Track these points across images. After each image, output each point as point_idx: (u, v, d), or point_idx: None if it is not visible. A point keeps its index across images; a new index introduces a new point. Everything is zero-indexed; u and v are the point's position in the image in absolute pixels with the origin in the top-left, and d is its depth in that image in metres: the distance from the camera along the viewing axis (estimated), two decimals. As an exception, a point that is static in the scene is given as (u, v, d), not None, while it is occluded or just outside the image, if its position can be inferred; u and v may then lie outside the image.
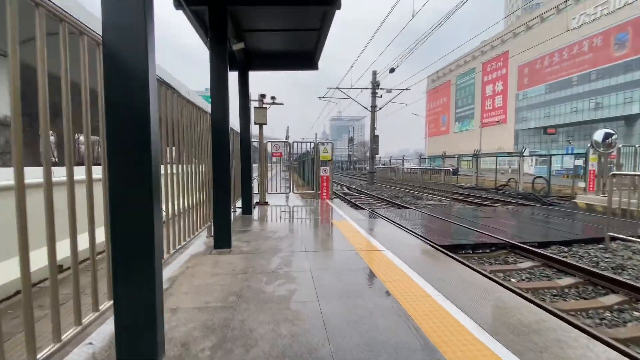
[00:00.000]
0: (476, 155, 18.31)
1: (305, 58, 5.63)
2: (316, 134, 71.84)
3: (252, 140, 7.66)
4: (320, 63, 5.80)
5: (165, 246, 2.67)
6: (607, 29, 37.09)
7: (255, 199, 7.57)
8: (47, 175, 1.36)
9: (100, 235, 1.71)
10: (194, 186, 3.56)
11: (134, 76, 1.44)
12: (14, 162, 1.19)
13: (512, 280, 4.21)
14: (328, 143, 8.25)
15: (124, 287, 1.53)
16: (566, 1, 39.59)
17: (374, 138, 20.16)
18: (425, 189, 14.61)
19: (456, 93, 67.34)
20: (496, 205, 10.90)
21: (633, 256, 4.86)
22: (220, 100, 3.37)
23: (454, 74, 67.86)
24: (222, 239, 3.47)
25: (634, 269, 4.38)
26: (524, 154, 14.36)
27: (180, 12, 3.88)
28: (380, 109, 20.46)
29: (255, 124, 6.83)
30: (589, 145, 9.60)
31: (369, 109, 20.69)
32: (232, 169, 5.54)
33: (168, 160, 2.68)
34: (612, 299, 3.51)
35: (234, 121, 5.88)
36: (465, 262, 4.23)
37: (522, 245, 5.25)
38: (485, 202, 11.58)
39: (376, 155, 21.38)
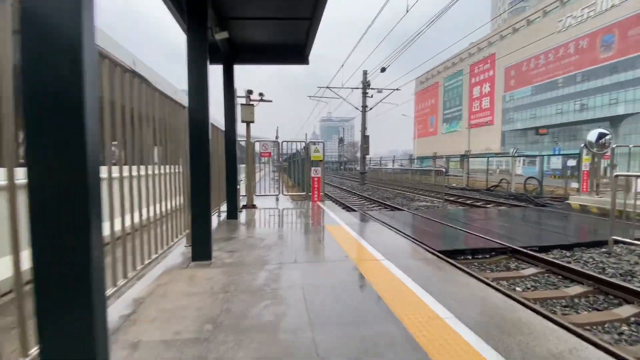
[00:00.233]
0: (467, 156, 18.24)
1: (295, 51, 5.26)
2: (306, 134, 71.34)
3: (240, 139, 7.25)
4: (311, 64, 5.46)
5: (130, 261, 2.26)
6: (594, 30, 37.91)
7: (243, 202, 7.15)
8: None
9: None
10: (170, 189, 3.15)
11: (60, 46, 1.05)
12: None
13: (517, 289, 3.94)
14: (319, 143, 7.90)
15: (51, 329, 1.13)
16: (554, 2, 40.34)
17: (365, 138, 19.90)
18: (416, 189, 14.42)
19: (444, 94, 67.96)
20: (489, 206, 10.75)
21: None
22: (199, 91, 2.97)
23: (442, 76, 68.46)
24: (200, 250, 3.06)
25: (643, 276, 4.17)
26: (516, 155, 14.28)
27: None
28: (371, 109, 20.22)
29: (242, 121, 6.42)
30: (582, 145, 9.52)
31: (360, 109, 20.43)
32: (215, 169, 5.14)
33: (117, 161, 2.27)
34: (627, 310, 3.26)
35: (219, 119, 5.46)
36: (472, 272, 3.92)
37: (523, 250, 5.00)
38: (478, 203, 11.42)
39: (367, 156, 21.14)
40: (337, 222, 5.32)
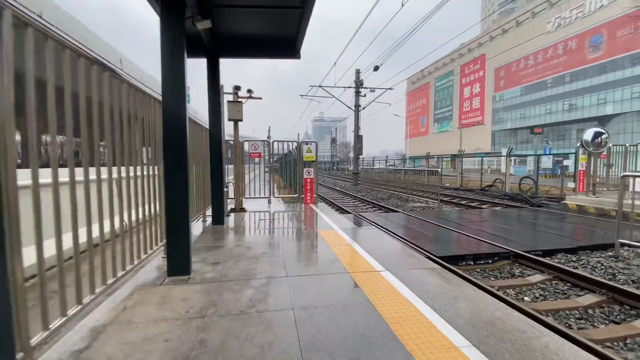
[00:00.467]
0: (460, 156, 18.12)
1: (285, 44, 4.91)
2: (298, 134, 70.68)
3: (229, 139, 6.86)
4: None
5: (88, 282, 1.89)
6: (582, 31, 38.44)
7: (231, 205, 6.76)
8: None
9: None
10: (144, 194, 2.77)
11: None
12: None
13: (526, 298, 3.66)
14: (312, 143, 7.56)
15: None
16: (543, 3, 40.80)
17: (358, 138, 19.61)
18: (410, 190, 14.19)
19: (435, 95, 68.33)
20: (484, 207, 10.56)
21: (648, 265, 4.45)
22: (175, 83, 2.60)
23: (433, 76, 68.83)
24: (177, 264, 2.69)
25: (655, 282, 3.95)
26: (510, 155, 14.18)
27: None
28: (364, 108, 19.95)
29: (229, 120, 6.03)
30: (578, 144, 9.39)
31: (353, 108, 20.14)
32: (200, 171, 4.76)
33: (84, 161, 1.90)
34: (648, 323, 3.01)
35: (205, 116, 5.08)
36: (483, 285, 3.62)
37: (526, 254, 4.75)
38: (473, 204, 11.23)
39: (360, 156, 20.86)
40: (331, 226, 4.99)
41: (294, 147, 8.04)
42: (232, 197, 6.89)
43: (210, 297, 2.33)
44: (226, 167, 7.97)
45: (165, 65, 2.58)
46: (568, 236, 5.92)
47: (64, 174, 1.82)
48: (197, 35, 4.35)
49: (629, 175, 5.05)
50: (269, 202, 7.77)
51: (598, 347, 2.49)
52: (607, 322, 3.14)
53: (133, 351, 1.68)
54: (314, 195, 7.58)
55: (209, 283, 2.59)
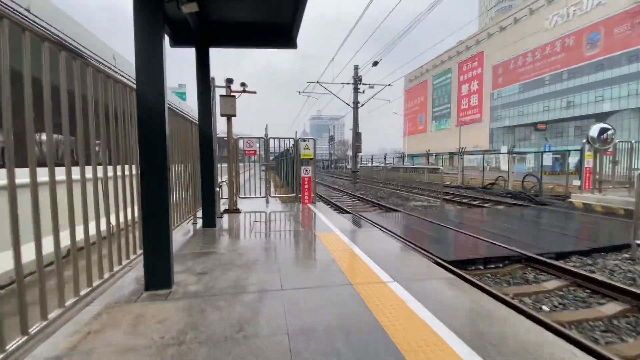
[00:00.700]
0: (461, 153, 17.85)
1: (280, 33, 4.56)
2: (296, 132, 69.84)
3: (222, 136, 6.51)
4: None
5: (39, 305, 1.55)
6: (580, 29, 38.29)
7: (225, 206, 6.42)
8: None
9: None
10: (124, 196, 2.43)
11: None
12: None
13: (544, 307, 3.36)
14: (309, 140, 7.22)
15: None
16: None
17: (357, 135, 19.27)
18: (410, 188, 13.89)
19: (433, 92, 68.06)
20: (487, 205, 10.28)
21: (669, 269, 4.17)
22: (150, 68, 2.24)
23: (431, 74, 68.53)
24: (156, 277, 2.35)
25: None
26: (513, 152, 13.92)
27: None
28: (362, 105, 19.60)
29: (222, 115, 5.68)
30: (584, 141, 9.12)
31: (351, 105, 19.79)
32: (189, 170, 4.40)
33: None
34: (684, 338, 2.71)
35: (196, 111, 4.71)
36: (507, 299, 3.28)
37: (539, 257, 4.45)
38: (476, 202, 10.95)
39: (359, 154, 20.53)
40: (331, 228, 4.66)
41: (291, 145, 7.69)
42: (227, 197, 6.55)
43: (192, 317, 2.00)
44: (220, 165, 7.64)
45: (138, 47, 2.22)
46: (579, 237, 5.64)
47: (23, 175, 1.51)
48: (183, 21, 3.99)
49: (647, 173, 4.75)
50: (267, 201, 7.43)
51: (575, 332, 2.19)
52: (635, 335, 2.85)
53: (87, 395, 1.34)
54: (312, 195, 7.25)
55: (192, 298, 2.26)
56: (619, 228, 6.19)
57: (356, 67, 19.70)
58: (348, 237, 4.13)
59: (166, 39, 4.55)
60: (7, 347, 1.37)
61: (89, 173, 2.09)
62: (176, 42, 4.39)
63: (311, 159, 7.23)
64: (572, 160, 13.72)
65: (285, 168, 9.65)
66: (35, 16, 4.03)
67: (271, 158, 13.88)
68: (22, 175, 1.56)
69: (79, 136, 1.92)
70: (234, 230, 4.59)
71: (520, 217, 7.63)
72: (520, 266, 4.47)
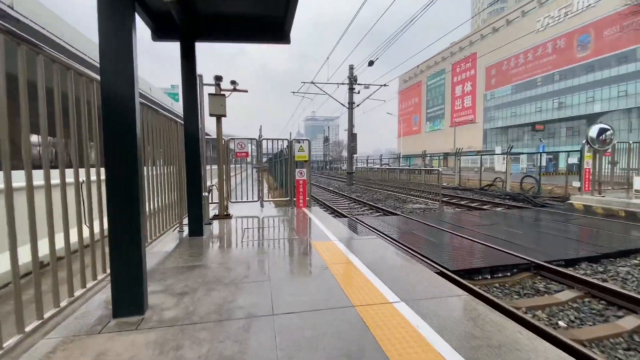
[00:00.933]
0: (458, 154, 17.69)
1: (273, 27, 4.24)
2: (290, 133, 69.72)
3: (213, 137, 6.15)
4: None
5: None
6: (570, 31, 38.67)
7: (215, 211, 6.07)
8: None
9: None
10: (90, 204, 2.09)
11: None
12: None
13: (561, 323, 3.09)
14: (304, 141, 6.90)
15: None
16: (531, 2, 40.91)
17: (352, 136, 18.99)
18: (407, 190, 13.64)
19: (427, 93, 68.29)
20: (485, 207, 10.07)
21: (684, 277, 3.95)
22: (118, 53, 1.91)
23: (424, 75, 68.77)
24: (125, 301, 2.01)
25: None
26: (510, 153, 13.78)
27: None
28: (358, 105, 19.34)
29: (211, 115, 5.34)
30: (584, 141, 8.96)
31: (346, 105, 19.52)
32: (174, 173, 4.04)
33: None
34: None
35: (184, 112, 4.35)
36: (527, 318, 2.99)
37: (548, 265, 4.20)
38: (474, 204, 10.74)
39: (354, 155, 20.25)
40: (327, 235, 4.35)
41: (285, 146, 7.37)
42: (217, 201, 6.19)
43: (165, 354, 1.66)
44: (210, 167, 7.27)
45: (102, 30, 1.89)
46: (585, 241, 5.41)
47: None
48: (166, 13, 3.66)
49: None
50: (261, 205, 7.09)
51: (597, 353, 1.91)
52: (664, 355, 2.59)
53: None
54: (307, 198, 6.93)
55: (168, 328, 1.92)
56: (623, 231, 6.00)
57: (351, 67, 19.44)
58: (346, 246, 3.83)
59: (148, 33, 4.21)
60: None
61: (44, 177, 1.75)
62: (159, 36, 4.05)
63: (306, 160, 6.92)
64: (563, 161, 13.65)
65: (280, 170, 9.33)
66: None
67: (264, 160, 13.52)
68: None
69: (23, 131, 1.58)
70: (223, 239, 4.25)
71: (522, 220, 7.42)
72: (529, 275, 4.21)
